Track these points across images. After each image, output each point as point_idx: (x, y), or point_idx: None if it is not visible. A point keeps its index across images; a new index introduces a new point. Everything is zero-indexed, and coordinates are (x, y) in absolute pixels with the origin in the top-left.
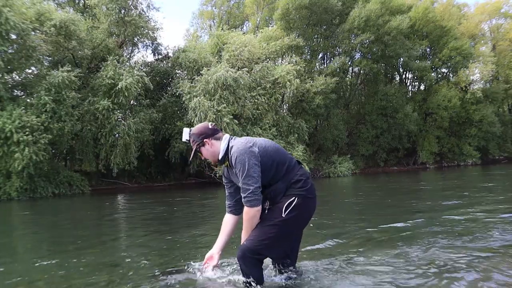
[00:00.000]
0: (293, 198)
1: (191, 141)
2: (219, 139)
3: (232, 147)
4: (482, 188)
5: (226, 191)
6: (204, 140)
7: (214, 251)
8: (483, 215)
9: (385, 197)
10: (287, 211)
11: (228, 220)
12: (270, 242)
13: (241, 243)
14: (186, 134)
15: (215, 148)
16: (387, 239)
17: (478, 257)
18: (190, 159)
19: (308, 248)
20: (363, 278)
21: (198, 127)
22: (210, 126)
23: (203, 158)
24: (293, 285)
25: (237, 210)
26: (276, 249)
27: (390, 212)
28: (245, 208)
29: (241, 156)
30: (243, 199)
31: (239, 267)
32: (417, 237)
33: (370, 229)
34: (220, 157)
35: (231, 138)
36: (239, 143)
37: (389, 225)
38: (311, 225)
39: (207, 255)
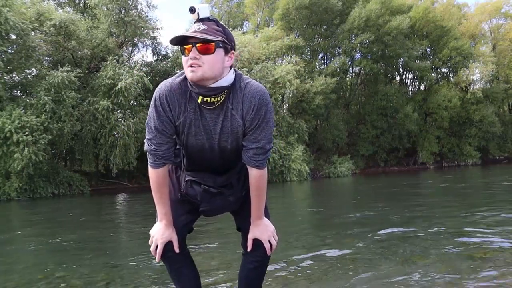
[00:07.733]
0: None
1: (213, 30)
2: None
3: (249, 81)
4: None
5: (156, 138)
6: (232, 49)
7: (170, 230)
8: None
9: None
10: None
11: (166, 175)
12: None
13: (258, 224)
14: (206, 10)
15: (227, 65)
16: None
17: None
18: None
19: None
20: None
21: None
22: None
23: (193, 65)
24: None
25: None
26: None
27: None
28: (261, 171)
29: (270, 103)
30: (259, 160)
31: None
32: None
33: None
34: (226, 83)
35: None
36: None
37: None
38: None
39: (161, 240)
